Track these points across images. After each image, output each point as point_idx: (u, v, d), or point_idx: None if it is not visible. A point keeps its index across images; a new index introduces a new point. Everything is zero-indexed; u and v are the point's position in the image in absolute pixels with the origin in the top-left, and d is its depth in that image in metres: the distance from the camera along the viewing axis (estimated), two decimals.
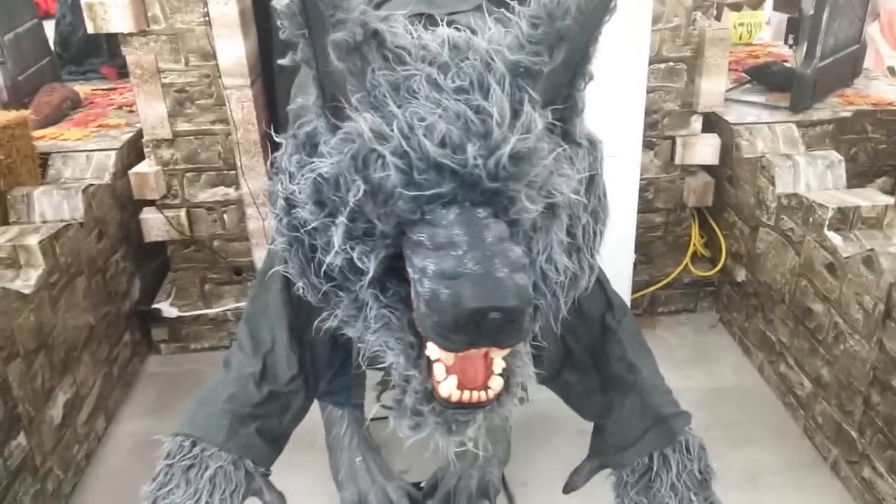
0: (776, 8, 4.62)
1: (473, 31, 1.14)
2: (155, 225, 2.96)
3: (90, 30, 2.65)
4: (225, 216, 3.00)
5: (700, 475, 1.59)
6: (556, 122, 1.14)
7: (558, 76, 1.12)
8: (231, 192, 2.95)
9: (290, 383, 1.62)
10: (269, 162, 1.29)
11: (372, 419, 2.55)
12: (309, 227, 1.14)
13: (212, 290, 3.14)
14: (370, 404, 2.46)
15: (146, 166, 2.88)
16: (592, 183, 1.26)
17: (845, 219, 2.46)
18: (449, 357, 1.09)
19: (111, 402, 2.81)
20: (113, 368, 2.84)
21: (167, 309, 3.12)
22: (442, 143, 1.00)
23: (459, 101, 1.02)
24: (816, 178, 2.74)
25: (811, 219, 2.53)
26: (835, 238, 2.42)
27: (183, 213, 2.96)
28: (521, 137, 1.02)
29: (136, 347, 3.08)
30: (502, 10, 1.13)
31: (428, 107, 1.02)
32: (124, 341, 2.97)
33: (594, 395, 1.68)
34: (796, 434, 2.64)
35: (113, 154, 2.88)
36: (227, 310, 3.12)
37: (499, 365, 1.12)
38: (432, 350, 1.10)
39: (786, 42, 3.70)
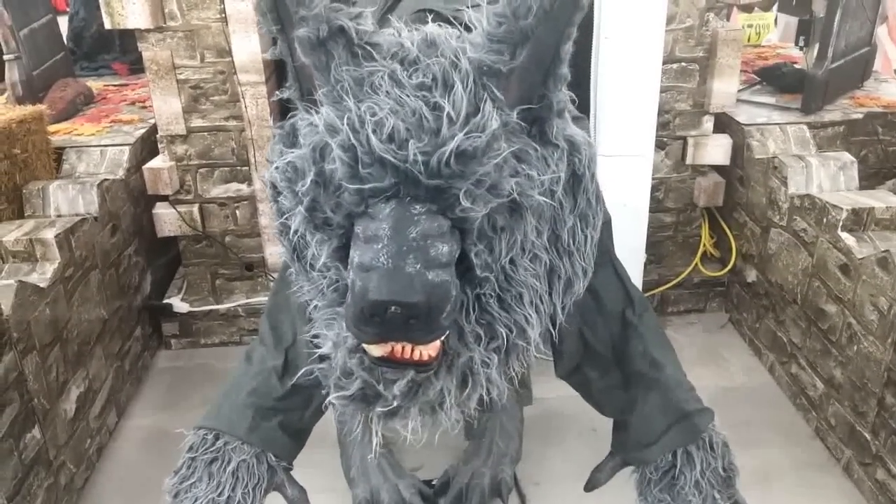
0: (782, 10, 4.62)
1: (469, 28, 1.13)
2: (168, 220, 2.97)
3: (107, 25, 2.66)
4: (237, 212, 3.00)
5: (724, 473, 1.59)
6: (524, 123, 1.13)
7: (531, 76, 1.11)
8: (244, 188, 2.95)
9: (312, 377, 1.62)
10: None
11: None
12: (287, 215, 1.18)
13: (223, 285, 3.15)
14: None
15: (160, 161, 2.89)
16: (579, 185, 1.25)
17: (859, 220, 2.47)
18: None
19: (122, 397, 2.81)
20: (124, 363, 2.84)
21: (178, 304, 3.12)
22: (389, 139, 1.00)
23: (418, 97, 1.03)
24: (829, 179, 2.75)
25: (825, 220, 2.54)
26: (849, 239, 2.42)
27: (196, 208, 2.97)
28: (469, 136, 1.01)
29: (146, 342, 3.09)
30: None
31: (386, 102, 1.03)
32: (135, 336, 2.97)
33: (616, 391, 1.68)
34: (808, 435, 2.64)
35: (127, 149, 2.89)
36: (238, 305, 3.12)
37: (425, 353, 1.11)
38: None
39: (796, 44, 3.71)
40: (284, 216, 1.21)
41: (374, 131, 1.00)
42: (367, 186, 1.02)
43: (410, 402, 1.15)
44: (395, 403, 1.14)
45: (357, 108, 1.02)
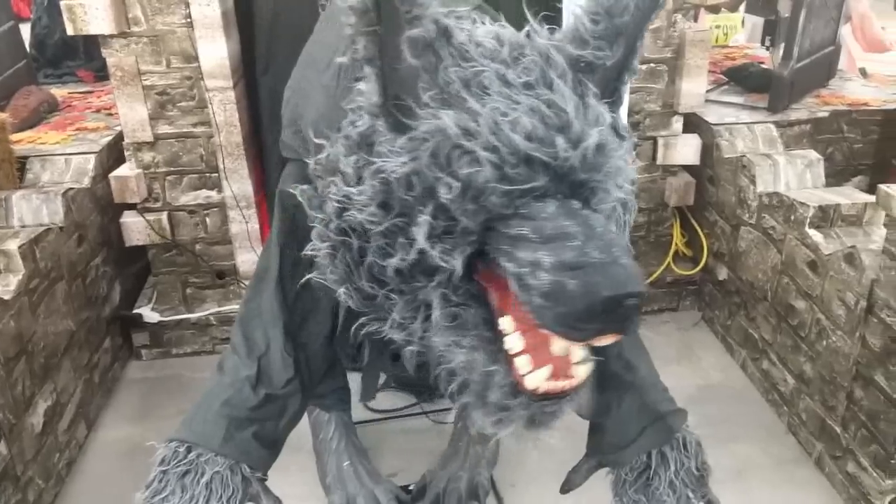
0: (749, 10, 4.69)
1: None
2: (136, 229, 2.92)
3: (70, 31, 2.61)
4: (207, 219, 2.97)
5: (697, 472, 1.60)
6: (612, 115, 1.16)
7: (609, 70, 1.14)
8: (213, 195, 2.92)
9: (286, 386, 1.61)
10: (314, 165, 1.23)
11: (359, 422, 2.54)
12: (369, 231, 1.10)
13: (194, 294, 3.10)
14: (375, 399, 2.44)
15: (127, 169, 2.85)
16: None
17: (826, 217, 2.50)
18: (537, 350, 1.07)
19: (92, 409, 2.76)
20: (93, 375, 2.79)
21: (148, 314, 3.07)
22: (529, 138, 1.00)
23: (530, 95, 1.03)
24: (796, 177, 2.78)
25: (792, 217, 2.57)
26: (816, 236, 2.46)
27: (164, 216, 2.92)
28: (600, 130, 1.04)
29: (116, 353, 3.03)
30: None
31: (505, 102, 1.02)
32: (105, 347, 2.92)
33: (591, 393, 1.68)
34: (781, 430, 2.67)
35: (92, 157, 2.84)
36: (210, 314, 3.08)
37: (580, 354, 1.10)
38: (513, 343, 1.09)
39: (763, 44, 3.77)
40: (349, 234, 1.13)
41: (512, 131, 0.99)
42: (521, 187, 1.00)
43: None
44: (556, 419, 1.14)
45: (484, 109, 1.01)
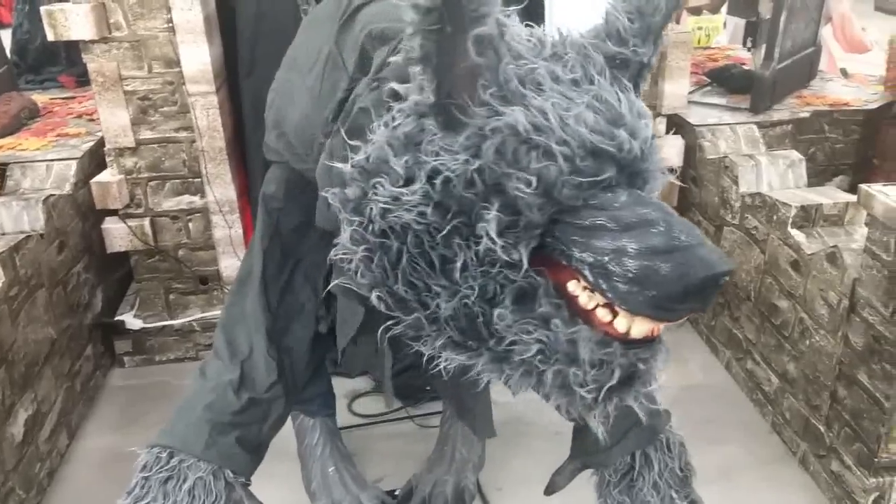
0: (731, 12, 4.72)
1: None
2: (118, 235, 2.90)
3: (50, 37, 2.59)
4: (190, 225, 2.95)
5: (681, 473, 1.61)
6: None
7: (633, 66, 1.18)
8: (196, 201, 2.90)
9: (270, 390, 1.60)
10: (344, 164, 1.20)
11: (344, 427, 2.53)
12: (415, 231, 1.09)
13: (177, 300, 3.08)
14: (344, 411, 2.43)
15: (108, 175, 2.82)
16: None
17: (808, 217, 2.52)
18: (608, 305, 1.07)
19: (74, 418, 2.73)
20: (75, 383, 2.77)
21: (131, 320, 3.05)
22: (593, 131, 1.03)
23: (580, 92, 1.07)
24: (778, 177, 2.80)
25: (775, 217, 2.59)
26: (798, 236, 2.47)
27: (147, 222, 2.90)
28: (645, 122, 1.09)
29: (98, 361, 3.01)
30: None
31: (559, 98, 1.05)
32: (86, 355, 2.89)
33: None
34: (765, 430, 2.68)
35: (73, 164, 2.82)
36: (193, 320, 3.06)
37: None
38: (587, 300, 1.08)
39: (744, 45, 3.79)
40: (388, 236, 1.12)
41: (579, 125, 1.02)
42: (591, 179, 1.03)
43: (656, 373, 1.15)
44: (653, 377, 1.13)
45: (550, 105, 1.04)
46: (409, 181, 1.09)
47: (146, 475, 1.51)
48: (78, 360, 2.81)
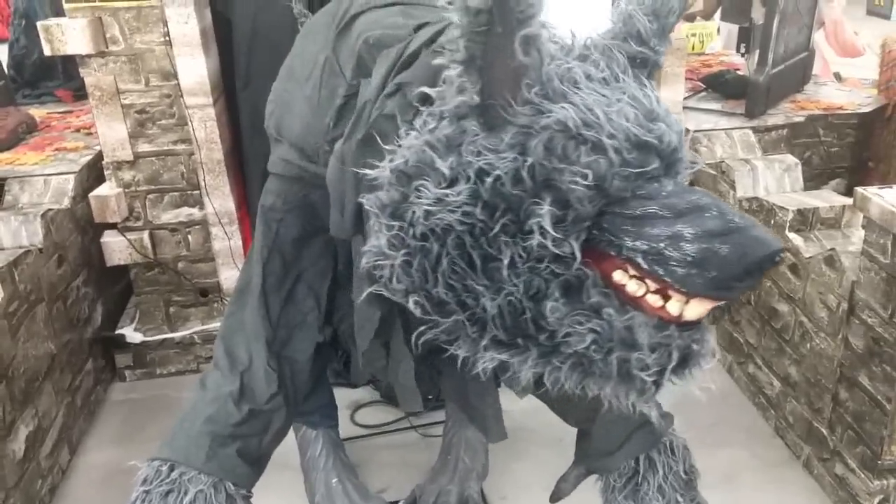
0: (724, 18, 4.75)
1: None
2: (117, 248, 2.89)
3: (47, 52, 2.59)
4: (189, 237, 2.95)
5: (685, 476, 1.61)
6: None
7: (649, 67, 1.23)
8: (195, 213, 2.90)
9: (271, 401, 1.59)
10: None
11: (347, 439, 2.52)
12: (458, 231, 1.11)
13: (177, 312, 3.08)
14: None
15: (107, 189, 2.82)
16: None
17: (805, 220, 2.53)
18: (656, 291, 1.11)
19: (75, 433, 2.72)
20: (76, 398, 2.76)
21: (131, 334, 3.04)
22: (635, 125, 1.07)
23: (612, 89, 1.10)
24: (774, 181, 2.81)
25: (772, 221, 2.59)
26: (796, 239, 2.48)
27: (146, 235, 2.90)
28: (675, 117, 1.14)
29: (99, 375, 3.00)
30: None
31: (597, 95, 1.09)
32: (87, 369, 2.88)
33: (578, 400, 1.68)
34: (768, 434, 2.68)
35: (72, 178, 2.82)
36: (194, 333, 3.06)
37: None
38: (635, 287, 1.12)
39: (738, 51, 3.82)
40: (428, 239, 1.13)
41: (623, 120, 1.07)
42: (641, 170, 1.07)
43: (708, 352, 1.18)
44: (705, 354, 1.16)
45: (592, 101, 1.07)
46: (453, 182, 1.11)
47: (147, 489, 1.50)
48: (78, 374, 2.80)
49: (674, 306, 1.10)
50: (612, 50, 1.16)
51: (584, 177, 1.05)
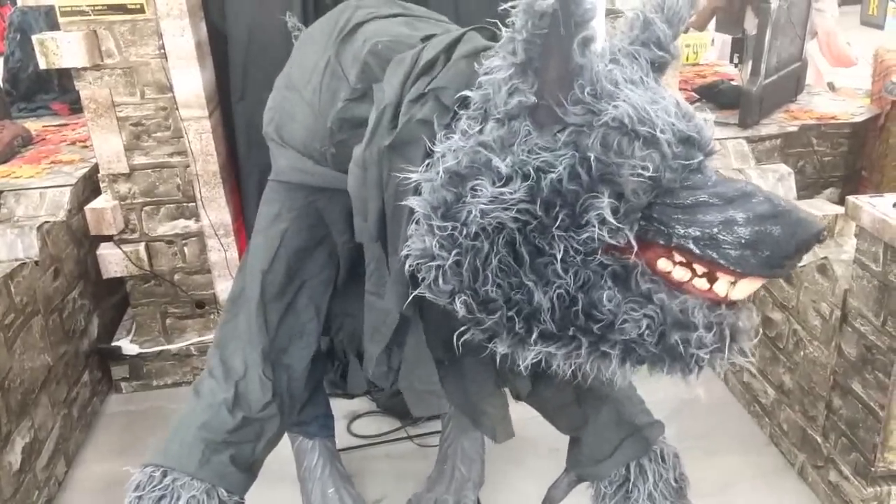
0: (719, 29, 4.78)
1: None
2: (113, 260, 2.90)
3: (42, 66, 2.61)
4: (185, 249, 2.96)
5: (675, 483, 1.61)
6: None
7: (661, 71, 1.29)
8: (191, 225, 2.91)
9: (265, 409, 1.60)
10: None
11: (343, 449, 2.52)
12: (512, 228, 1.15)
13: (173, 324, 3.08)
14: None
15: (103, 201, 2.83)
16: None
17: None
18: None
19: (71, 445, 2.72)
20: (72, 410, 2.76)
21: (127, 346, 3.05)
22: (679, 119, 1.14)
23: (645, 90, 1.16)
24: (768, 190, 2.81)
25: None
26: None
27: (142, 247, 2.91)
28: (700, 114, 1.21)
29: (95, 387, 3.00)
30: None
31: (637, 94, 1.14)
32: (83, 381, 2.89)
33: (570, 407, 1.69)
34: (763, 442, 2.68)
35: (67, 190, 2.83)
36: (191, 344, 3.06)
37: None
38: (681, 274, 1.18)
39: (731, 61, 3.84)
40: (479, 238, 1.17)
41: (668, 116, 1.13)
42: (689, 161, 1.14)
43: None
44: (750, 330, 1.23)
45: (640, 99, 1.13)
46: (508, 181, 1.15)
47: (139, 494, 1.51)
48: (75, 386, 2.80)
49: (721, 286, 1.16)
50: (636, 55, 1.22)
51: (644, 169, 1.10)
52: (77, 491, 2.60)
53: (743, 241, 1.10)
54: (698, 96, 3.60)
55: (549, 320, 1.19)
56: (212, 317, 3.08)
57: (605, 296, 1.16)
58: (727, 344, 1.18)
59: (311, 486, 2.31)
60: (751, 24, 3.33)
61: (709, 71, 4.27)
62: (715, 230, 1.11)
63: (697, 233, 1.12)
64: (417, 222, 1.23)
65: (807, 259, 2.39)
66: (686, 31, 4.45)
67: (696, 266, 1.16)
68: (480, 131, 1.18)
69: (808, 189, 3.26)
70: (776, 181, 2.83)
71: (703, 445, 2.60)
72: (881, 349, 2.04)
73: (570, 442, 1.76)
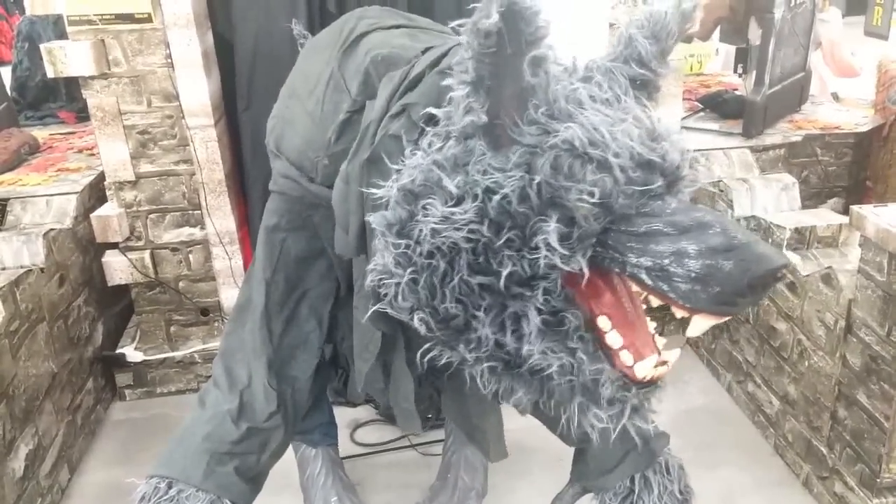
0: (723, 39, 4.79)
1: None
2: (118, 268, 2.91)
3: (50, 74, 2.63)
4: (190, 256, 2.97)
5: (681, 496, 1.61)
6: None
7: (648, 89, 1.26)
8: (196, 232, 2.92)
9: (269, 419, 1.60)
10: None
11: (347, 457, 2.52)
12: (463, 249, 1.13)
13: (178, 332, 3.09)
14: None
15: (109, 209, 2.85)
16: None
17: (802, 238, 2.54)
18: (634, 344, 1.17)
19: (75, 452, 2.72)
20: (76, 417, 2.76)
21: (132, 353, 3.05)
22: (639, 144, 1.09)
23: (615, 109, 1.13)
24: (772, 200, 2.82)
25: (770, 240, 2.60)
26: (794, 257, 2.49)
27: (147, 254, 2.92)
28: (678, 135, 1.16)
29: (99, 394, 3.00)
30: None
31: (601, 115, 1.11)
32: (87, 388, 2.89)
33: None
34: (768, 452, 2.67)
35: (74, 198, 2.84)
36: (195, 352, 3.06)
37: (662, 341, 1.21)
38: (614, 340, 1.16)
39: (735, 71, 3.84)
40: (434, 256, 1.15)
41: (628, 139, 1.09)
42: (645, 188, 1.09)
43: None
44: (649, 412, 1.24)
45: (598, 121, 1.09)
46: (460, 200, 1.13)
47: None
48: (79, 393, 2.80)
49: (644, 367, 1.15)
50: (613, 72, 1.18)
51: (591, 194, 1.06)
52: (80, 498, 2.60)
53: (693, 274, 1.05)
54: (702, 106, 3.61)
55: (484, 347, 1.18)
56: (216, 324, 3.08)
57: (534, 332, 1.14)
58: (624, 419, 1.19)
59: (315, 494, 2.31)
60: (755, 34, 3.34)
61: (713, 81, 4.28)
62: (666, 261, 1.06)
63: (649, 262, 1.08)
64: (377, 239, 1.23)
65: (811, 269, 2.39)
66: (690, 42, 4.47)
67: (651, 298, 1.13)
68: (440, 149, 1.16)
69: (812, 199, 3.26)
70: (780, 191, 2.83)
71: (707, 456, 2.59)
72: (886, 359, 2.04)
73: (574, 453, 1.76)
